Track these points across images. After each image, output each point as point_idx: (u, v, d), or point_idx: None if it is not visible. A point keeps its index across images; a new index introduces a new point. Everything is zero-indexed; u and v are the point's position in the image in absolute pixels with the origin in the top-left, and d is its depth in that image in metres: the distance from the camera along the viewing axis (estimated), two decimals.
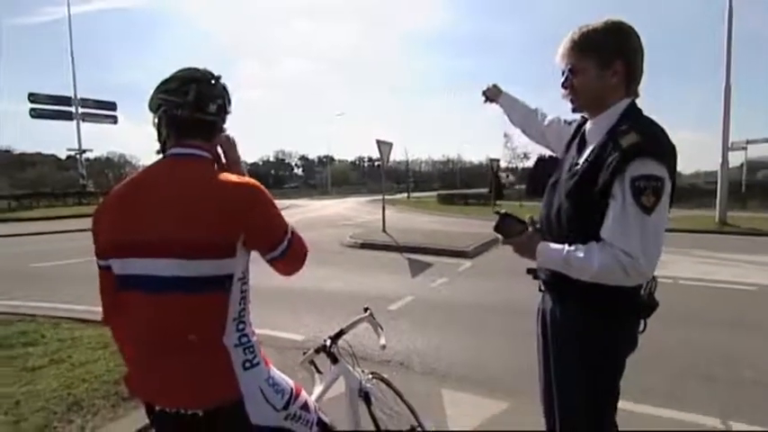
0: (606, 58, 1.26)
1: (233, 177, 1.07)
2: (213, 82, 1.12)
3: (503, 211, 1.40)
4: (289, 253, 1.14)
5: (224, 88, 1.15)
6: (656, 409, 2.73)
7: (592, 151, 1.29)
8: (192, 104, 1.08)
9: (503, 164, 33.83)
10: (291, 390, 1.21)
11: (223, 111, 1.15)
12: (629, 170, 1.15)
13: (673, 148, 1.21)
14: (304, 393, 1.27)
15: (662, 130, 1.24)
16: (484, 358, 3.68)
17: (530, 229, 1.37)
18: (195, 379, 1.03)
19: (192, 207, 1.00)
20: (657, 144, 1.18)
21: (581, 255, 1.21)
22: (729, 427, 2.59)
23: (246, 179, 1.09)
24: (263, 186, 1.09)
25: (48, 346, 3.67)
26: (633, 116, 1.27)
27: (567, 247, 1.25)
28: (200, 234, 0.99)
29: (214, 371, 1.04)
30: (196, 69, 1.11)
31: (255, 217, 1.05)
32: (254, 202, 1.05)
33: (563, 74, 1.34)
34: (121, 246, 1.04)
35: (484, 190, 32.23)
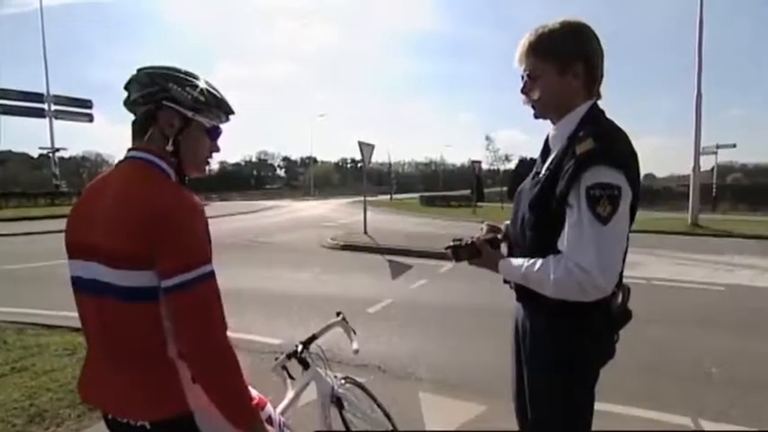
0: (565, 61, 1.20)
1: (161, 188, 1.00)
2: (146, 76, 1.05)
3: (450, 244, 1.39)
4: (189, 291, 0.94)
5: (153, 75, 1.04)
6: (627, 408, 2.77)
7: (553, 159, 1.23)
8: (127, 104, 1.06)
9: (485, 166, 34.26)
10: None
11: (153, 100, 1.03)
12: (584, 178, 1.09)
13: (632, 153, 1.16)
14: (269, 407, 1.23)
15: (621, 135, 1.18)
16: (462, 361, 3.69)
17: (484, 246, 1.35)
18: (141, 390, 1.01)
19: (116, 215, 0.97)
20: (613, 150, 1.12)
21: (537, 269, 1.16)
22: (699, 426, 2.65)
23: (179, 192, 1.00)
24: (194, 204, 1.00)
25: (10, 353, 3.52)
26: (593, 120, 1.21)
27: (525, 262, 1.20)
28: (120, 244, 0.96)
29: (160, 383, 1.01)
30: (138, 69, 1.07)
31: (167, 232, 0.94)
32: (169, 218, 0.95)
33: (522, 78, 1.28)
34: (70, 246, 1.05)
35: (466, 192, 32.49)
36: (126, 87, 1.07)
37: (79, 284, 1.04)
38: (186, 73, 1.07)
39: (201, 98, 1.07)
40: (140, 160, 1.04)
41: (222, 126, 1.15)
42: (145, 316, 0.98)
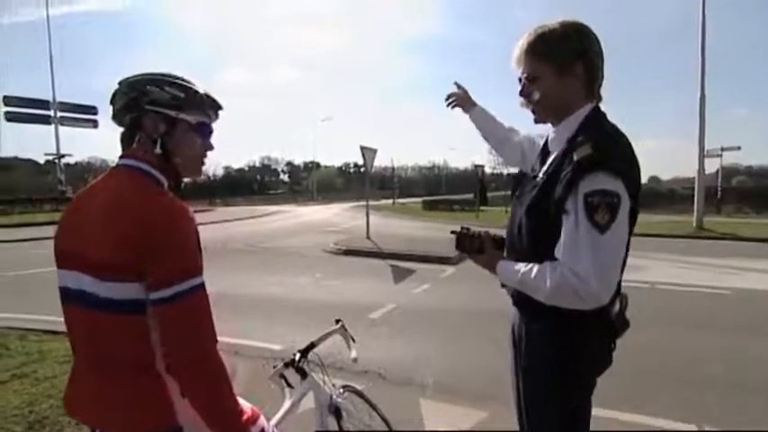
0: (565, 62, 1.18)
1: (152, 196, 0.98)
2: (126, 85, 1.04)
3: (458, 230, 1.36)
4: (179, 303, 0.92)
5: (132, 83, 1.03)
6: (626, 414, 2.73)
7: (551, 163, 1.21)
8: (114, 118, 1.05)
9: (488, 170, 34.20)
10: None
11: (135, 106, 1.02)
12: (582, 185, 1.06)
13: (632, 159, 1.13)
14: (262, 420, 1.19)
15: (621, 140, 1.15)
16: (464, 366, 3.66)
17: (488, 242, 1.33)
18: (129, 404, 0.99)
19: (105, 224, 0.95)
20: (613, 156, 1.08)
21: (534, 275, 1.14)
22: (702, 428, 2.61)
23: (169, 201, 0.98)
24: (185, 213, 0.97)
25: (12, 359, 3.52)
26: (593, 124, 1.18)
27: (522, 267, 1.18)
28: (108, 254, 0.94)
29: (148, 397, 0.99)
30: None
31: (157, 242, 0.92)
32: (160, 227, 0.93)
33: (520, 81, 1.25)
34: (59, 255, 1.03)
35: (469, 196, 32.47)
36: (111, 102, 1.06)
37: (67, 295, 1.02)
38: (164, 74, 1.05)
39: (181, 94, 1.04)
40: (130, 168, 1.02)
41: (214, 124, 1.12)
42: (133, 328, 0.97)
